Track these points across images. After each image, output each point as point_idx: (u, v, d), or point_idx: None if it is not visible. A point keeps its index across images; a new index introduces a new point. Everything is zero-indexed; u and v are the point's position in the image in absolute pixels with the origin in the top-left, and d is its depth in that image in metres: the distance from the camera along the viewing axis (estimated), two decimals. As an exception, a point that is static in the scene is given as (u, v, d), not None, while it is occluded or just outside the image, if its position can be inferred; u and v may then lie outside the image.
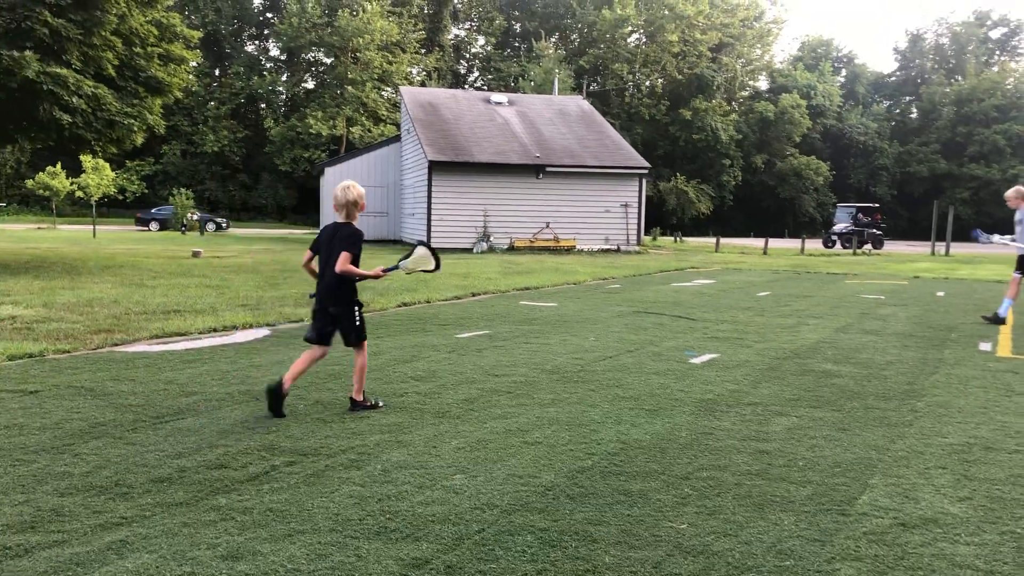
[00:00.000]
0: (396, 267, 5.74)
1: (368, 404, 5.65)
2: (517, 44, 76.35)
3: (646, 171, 29.25)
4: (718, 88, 70.01)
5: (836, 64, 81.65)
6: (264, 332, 9.00)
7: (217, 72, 67.49)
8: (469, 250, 26.76)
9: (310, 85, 67.73)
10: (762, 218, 68.84)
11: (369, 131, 58.91)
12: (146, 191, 58.55)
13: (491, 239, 27.19)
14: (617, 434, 5.13)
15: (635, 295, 14.18)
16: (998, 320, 11.17)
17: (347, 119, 59.24)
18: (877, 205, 46.99)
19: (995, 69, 79.86)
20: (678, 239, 44.71)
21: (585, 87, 57.34)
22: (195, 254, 21.87)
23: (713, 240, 44.03)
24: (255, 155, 63.69)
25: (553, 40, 71.48)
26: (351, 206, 5.49)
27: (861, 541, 3.51)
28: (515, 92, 49.65)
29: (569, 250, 27.43)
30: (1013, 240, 11.31)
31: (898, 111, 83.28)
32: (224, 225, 44.68)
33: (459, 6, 76.16)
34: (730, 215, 68.71)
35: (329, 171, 33.89)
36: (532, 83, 53.84)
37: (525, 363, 7.46)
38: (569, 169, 28.11)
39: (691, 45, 68.24)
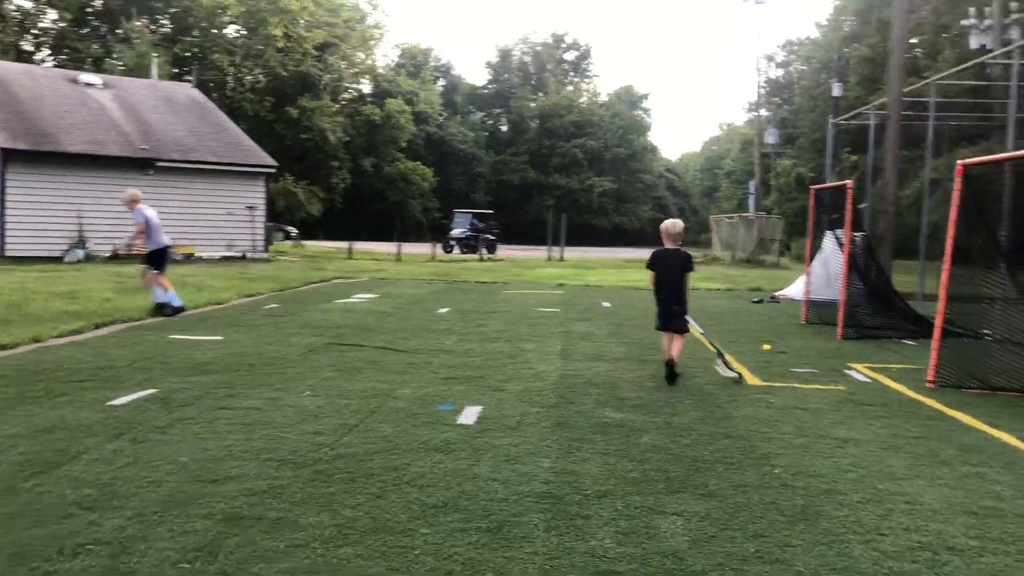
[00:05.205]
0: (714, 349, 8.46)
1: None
2: (98, 24, 67.58)
3: (273, 170, 26.60)
4: (325, 88, 68.29)
5: (436, 73, 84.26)
6: None
7: None
8: (59, 259, 21.98)
9: None
10: (372, 221, 68.50)
11: (-96, 110, 47.72)
12: None
13: (88, 246, 22.63)
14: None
15: (306, 318, 11.93)
16: (170, 310, 11.53)
17: None
18: (491, 211, 48.73)
19: (570, 88, 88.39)
20: (297, 243, 42.18)
21: (187, 76, 52.11)
22: None
23: (333, 244, 42.37)
24: None
25: (141, 22, 64.28)
26: (680, 237, 7.97)
27: None
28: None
29: (188, 258, 23.82)
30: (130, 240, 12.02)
31: (491, 122, 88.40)
32: None
33: (22, -28, 65.29)
34: (341, 218, 67.30)
35: None
36: (123, 67, 47.37)
37: (244, 450, 5.08)
38: (184, 165, 24.46)
39: (296, 42, 65.64)
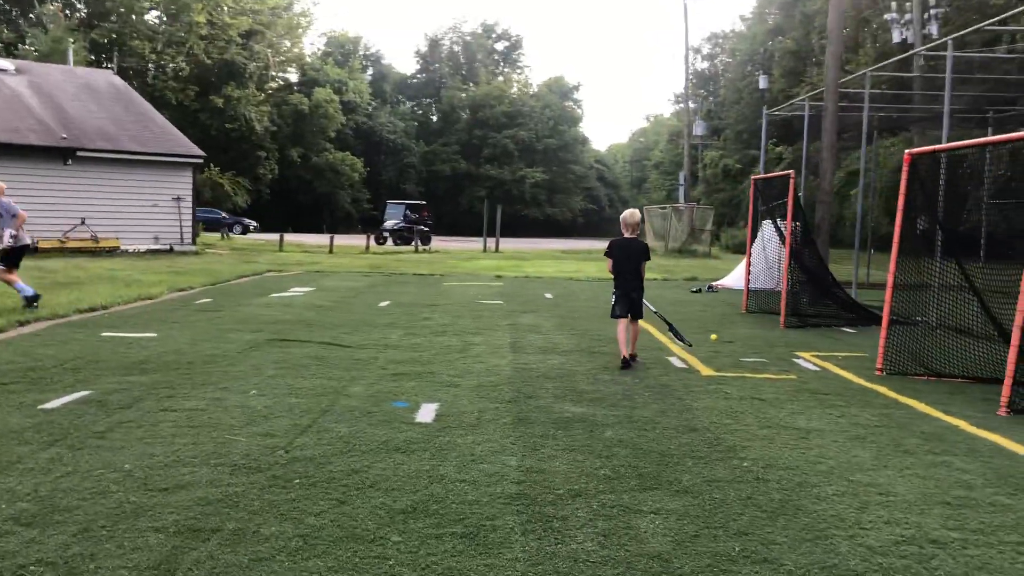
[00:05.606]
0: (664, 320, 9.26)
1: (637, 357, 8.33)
2: (9, 7, 64.67)
3: (200, 160, 25.78)
4: (251, 77, 66.61)
5: (365, 62, 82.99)
6: None
7: None
8: (-28, 254, 20.86)
9: None
10: (299, 213, 67.31)
11: None
12: None
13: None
14: (480, 610, 3.00)
15: (242, 313, 11.52)
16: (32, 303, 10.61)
17: None
18: (424, 202, 48.22)
19: (501, 79, 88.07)
20: (225, 236, 41.08)
21: (105, 64, 50.27)
22: None
23: (263, 236, 41.51)
24: None
25: (55, 6, 61.72)
26: (637, 227, 8.25)
27: None
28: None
29: (112, 251, 22.91)
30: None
31: (421, 112, 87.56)
32: None
33: (-75, -49, 62.00)
34: (268, 209, 65.88)
35: None
36: (37, 53, 45.38)
37: (193, 455, 4.78)
38: (107, 155, 23.48)
39: (220, 29, 63.85)
